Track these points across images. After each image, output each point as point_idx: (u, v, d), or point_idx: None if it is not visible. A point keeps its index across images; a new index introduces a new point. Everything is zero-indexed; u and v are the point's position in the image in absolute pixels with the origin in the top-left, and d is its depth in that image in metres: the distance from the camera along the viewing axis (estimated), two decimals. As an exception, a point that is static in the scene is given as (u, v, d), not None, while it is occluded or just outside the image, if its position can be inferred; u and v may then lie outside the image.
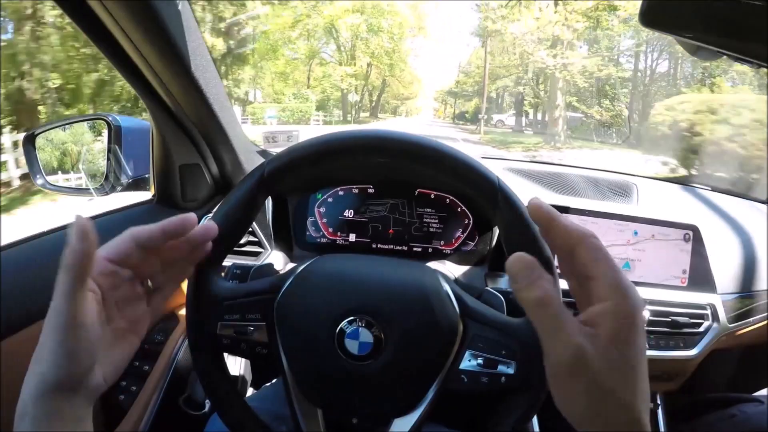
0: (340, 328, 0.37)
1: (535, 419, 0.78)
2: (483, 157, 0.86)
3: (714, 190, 0.94)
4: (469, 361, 0.38)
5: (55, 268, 0.27)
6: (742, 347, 0.91)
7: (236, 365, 0.87)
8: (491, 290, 0.45)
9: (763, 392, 0.94)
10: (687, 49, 0.64)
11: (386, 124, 20.76)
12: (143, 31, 0.59)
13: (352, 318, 0.37)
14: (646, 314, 0.75)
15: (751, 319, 0.87)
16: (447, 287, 0.40)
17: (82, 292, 0.28)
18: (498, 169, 0.81)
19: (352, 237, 0.71)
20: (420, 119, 32.75)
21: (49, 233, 0.63)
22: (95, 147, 0.92)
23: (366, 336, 0.37)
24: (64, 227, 0.65)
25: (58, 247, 0.27)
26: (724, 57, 0.60)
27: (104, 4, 0.53)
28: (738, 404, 0.93)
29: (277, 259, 0.72)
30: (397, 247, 0.71)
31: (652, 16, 0.57)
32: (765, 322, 0.90)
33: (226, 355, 0.41)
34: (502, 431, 0.38)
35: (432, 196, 0.70)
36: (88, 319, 0.29)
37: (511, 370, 0.37)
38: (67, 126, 0.91)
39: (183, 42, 0.64)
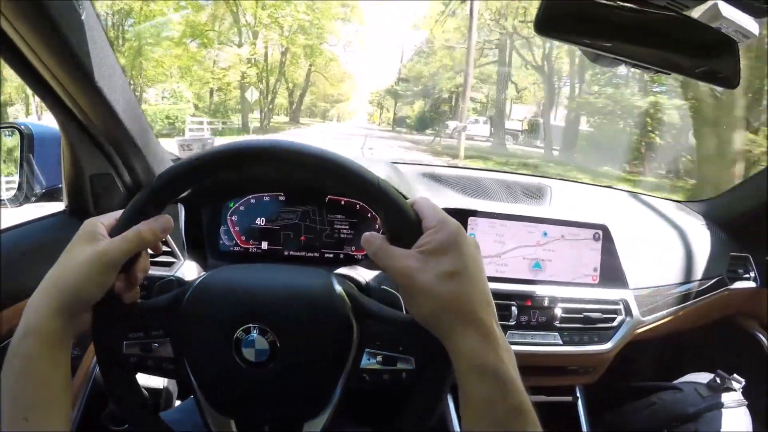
0: (236, 336, 0.37)
1: (453, 412, 0.79)
2: (394, 162, 0.88)
3: (627, 191, 0.98)
4: (369, 359, 0.39)
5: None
6: (659, 338, 0.96)
7: (161, 378, 0.86)
8: (387, 288, 0.45)
9: (681, 380, 0.99)
10: (587, 56, 0.66)
11: (304, 133, 15.73)
12: (42, 38, 0.57)
13: (246, 326, 0.37)
14: (559, 311, 0.78)
15: (664, 312, 0.92)
16: (339, 288, 0.40)
17: (137, 247, 0.36)
18: (412, 175, 0.83)
19: (265, 245, 0.71)
20: (353, 125, 27.06)
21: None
22: (8, 155, 0.89)
23: (261, 343, 0.37)
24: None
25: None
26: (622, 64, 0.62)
27: None
28: (657, 392, 0.98)
29: (190, 269, 0.71)
30: (309, 254, 0.72)
31: (547, 24, 0.58)
32: (680, 313, 0.95)
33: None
34: (410, 426, 0.39)
35: (342, 202, 0.71)
36: (120, 263, 0.36)
37: (410, 366, 0.38)
38: (-24, 135, 0.87)
39: (85, 50, 0.62)
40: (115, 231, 0.37)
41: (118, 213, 0.39)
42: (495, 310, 0.34)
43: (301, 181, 0.65)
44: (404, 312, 0.44)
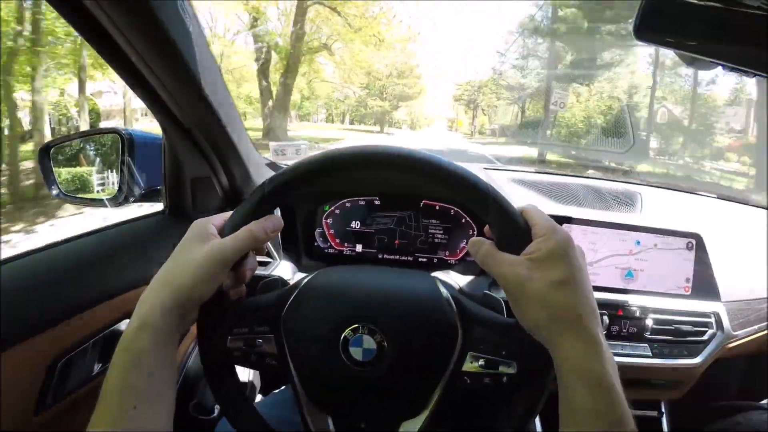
0: (344, 336, 0.38)
1: (538, 421, 0.78)
2: (485, 168, 0.88)
3: (719, 197, 0.94)
4: (471, 362, 0.39)
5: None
6: (748, 355, 0.91)
7: (245, 372, 0.89)
8: (490, 294, 0.46)
9: (769, 400, 0.94)
10: (683, 59, 0.65)
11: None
12: (154, 49, 0.61)
13: (354, 326, 0.39)
14: (650, 323, 0.75)
15: (756, 327, 0.87)
16: (446, 292, 0.41)
17: (248, 246, 0.38)
18: (503, 180, 0.83)
19: (359, 248, 0.73)
20: (429, 137, 17.12)
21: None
22: (108, 159, 0.95)
23: (369, 342, 0.38)
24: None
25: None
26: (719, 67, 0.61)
27: (114, 22, 0.55)
28: (743, 412, 0.93)
29: (285, 269, 0.74)
30: (403, 258, 0.73)
31: (648, 29, 0.58)
32: (771, 330, 0.90)
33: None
34: (509, 429, 0.40)
35: (437, 207, 0.72)
36: (233, 261, 0.37)
37: (512, 370, 0.38)
38: (81, 139, 0.94)
39: (193, 59, 0.66)
40: (226, 230, 0.38)
41: (227, 214, 0.40)
42: (599, 319, 0.34)
43: (403, 186, 0.67)
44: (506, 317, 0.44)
